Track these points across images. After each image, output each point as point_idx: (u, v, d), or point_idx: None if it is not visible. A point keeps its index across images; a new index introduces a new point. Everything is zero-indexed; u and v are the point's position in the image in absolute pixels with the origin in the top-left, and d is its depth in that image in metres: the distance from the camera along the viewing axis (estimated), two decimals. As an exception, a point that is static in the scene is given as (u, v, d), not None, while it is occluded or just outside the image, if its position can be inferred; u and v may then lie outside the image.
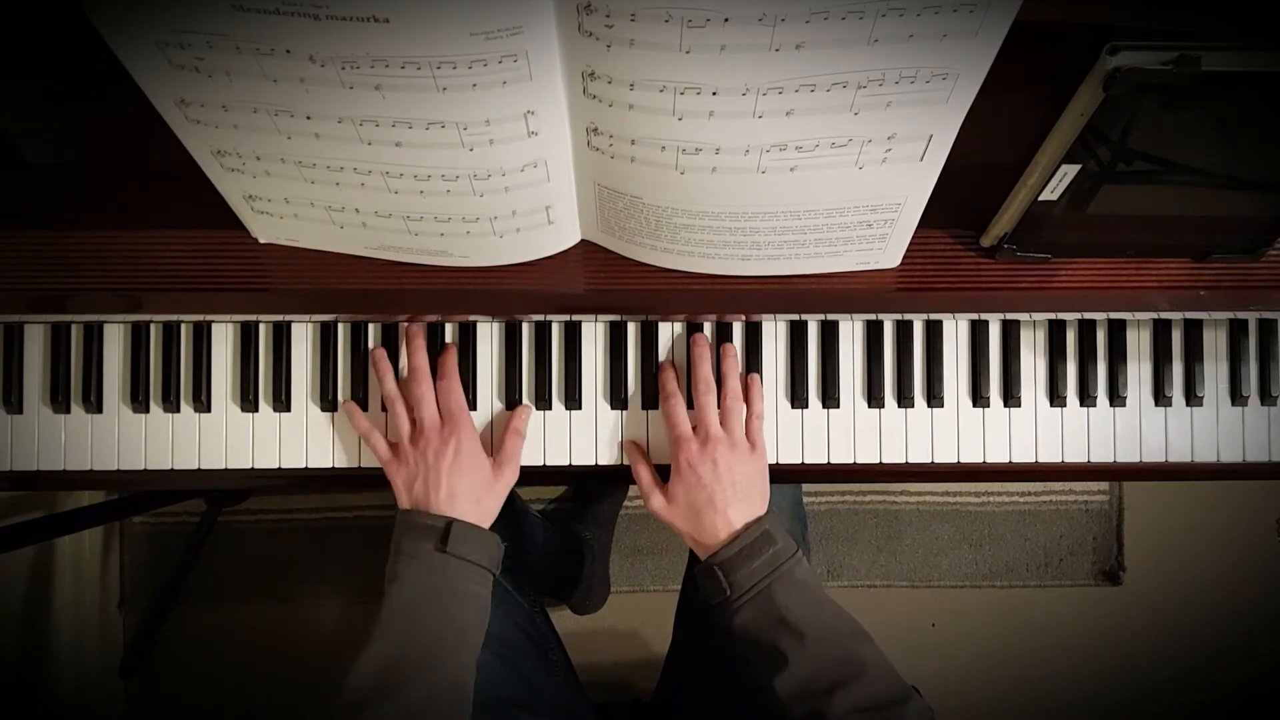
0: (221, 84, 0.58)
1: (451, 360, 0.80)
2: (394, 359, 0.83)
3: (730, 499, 0.73)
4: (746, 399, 0.80)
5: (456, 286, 0.77)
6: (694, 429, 0.77)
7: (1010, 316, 0.84)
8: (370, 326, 0.84)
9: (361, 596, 1.57)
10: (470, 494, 0.75)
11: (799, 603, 0.69)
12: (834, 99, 0.56)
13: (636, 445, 0.82)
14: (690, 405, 0.80)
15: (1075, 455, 0.85)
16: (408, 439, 0.77)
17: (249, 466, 0.83)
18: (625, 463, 0.83)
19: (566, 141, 0.64)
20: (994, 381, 0.85)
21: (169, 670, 1.56)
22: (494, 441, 0.82)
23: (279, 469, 0.83)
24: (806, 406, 0.84)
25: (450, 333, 0.84)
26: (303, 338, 0.84)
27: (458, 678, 0.69)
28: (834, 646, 0.68)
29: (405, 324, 0.82)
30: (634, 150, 0.62)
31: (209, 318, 0.83)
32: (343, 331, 0.84)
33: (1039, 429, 0.85)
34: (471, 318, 0.83)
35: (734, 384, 0.79)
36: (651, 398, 0.83)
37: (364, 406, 0.83)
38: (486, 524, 0.76)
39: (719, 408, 0.77)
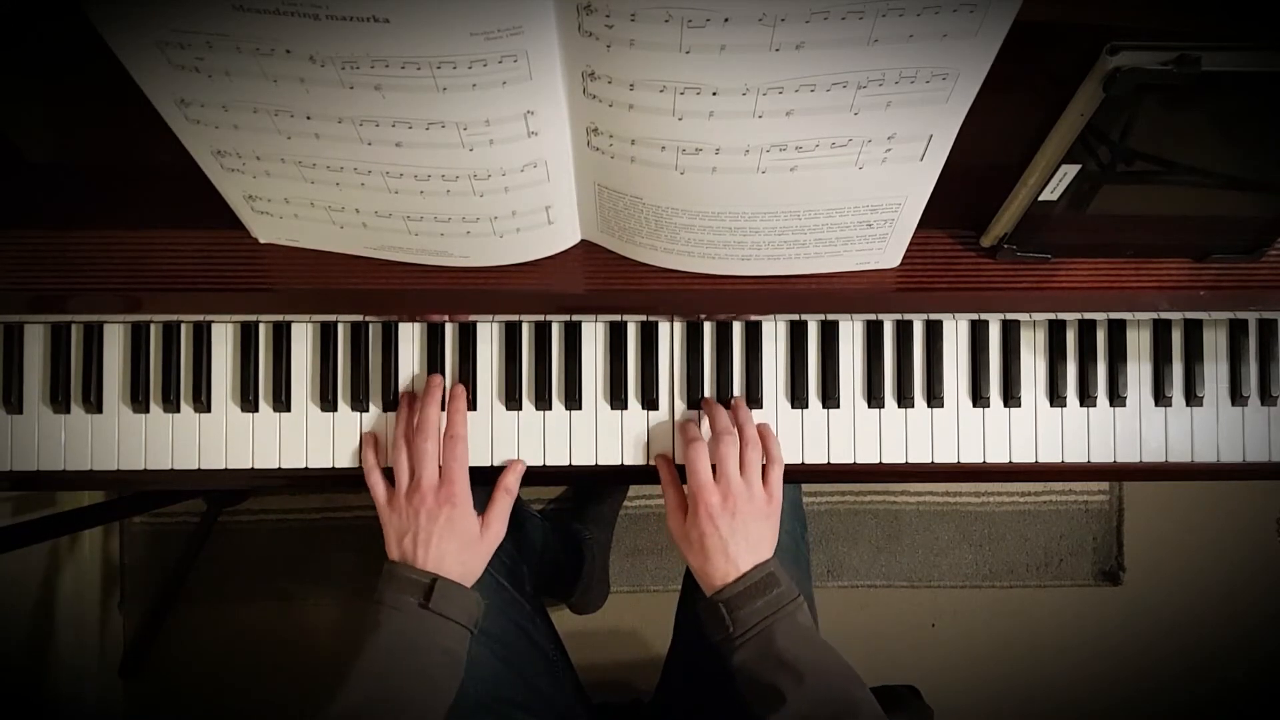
0: (221, 84, 0.58)
1: (461, 417, 0.80)
2: (392, 356, 0.83)
3: (742, 549, 0.74)
4: (764, 446, 0.80)
5: (456, 286, 0.77)
6: (714, 473, 0.76)
7: (1010, 316, 0.84)
8: (370, 326, 0.84)
9: (361, 597, 1.57)
10: (457, 555, 0.76)
11: (799, 643, 0.70)
12: (834, 99, 0.56)
13: (669, 464, 0.82)
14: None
15: (1075, 455, 0.85)
16: (404, 491, 0.77)
17: (249, 466, 0.83)
18: (626, 463, 0.84)
19: (566, 141, 0.64)
20: (994, 381, 0.85)
21: (169, 670, 1.56)
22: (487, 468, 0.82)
23: (279, 469, 0.83)
24: (806, 406, 0.84)
25: (450, 333, 0.84)
26: (303, 338, 0.84)
27: None
28: (830, 688, 0.69)
29: (430, 376, 0.82)
30: (634, 150, 0.62)
31: (209, 318, 0.83)
32: (343, 331, 0.84)
33: (1039, 429, 0.85)
34: (471, 318, 0.83)
35: (751, 431, 0.79)
36: (651, 398, 0.83)
37: (364, 407, 0.83)
38: (469, 582, 0.77)
39: (741, 454, 0.77)
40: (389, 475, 0.80)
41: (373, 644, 0.71)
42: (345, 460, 0.83)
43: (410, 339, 0.84)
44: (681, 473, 0.79)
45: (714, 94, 0.56)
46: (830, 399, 0.84)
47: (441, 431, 0.79)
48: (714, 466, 0.77)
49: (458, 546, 0.76)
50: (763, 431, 0.81)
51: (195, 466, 0.83)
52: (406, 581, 0.73)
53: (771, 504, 0.77)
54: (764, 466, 0.79)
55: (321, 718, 0.67)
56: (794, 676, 0.68)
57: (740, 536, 0.74)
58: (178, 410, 0.83)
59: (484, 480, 0.84)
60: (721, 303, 0.79)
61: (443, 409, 0.81)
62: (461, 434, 0.79)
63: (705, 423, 0.82)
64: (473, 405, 0.83)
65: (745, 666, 0.71)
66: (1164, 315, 0.84)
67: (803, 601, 0.74)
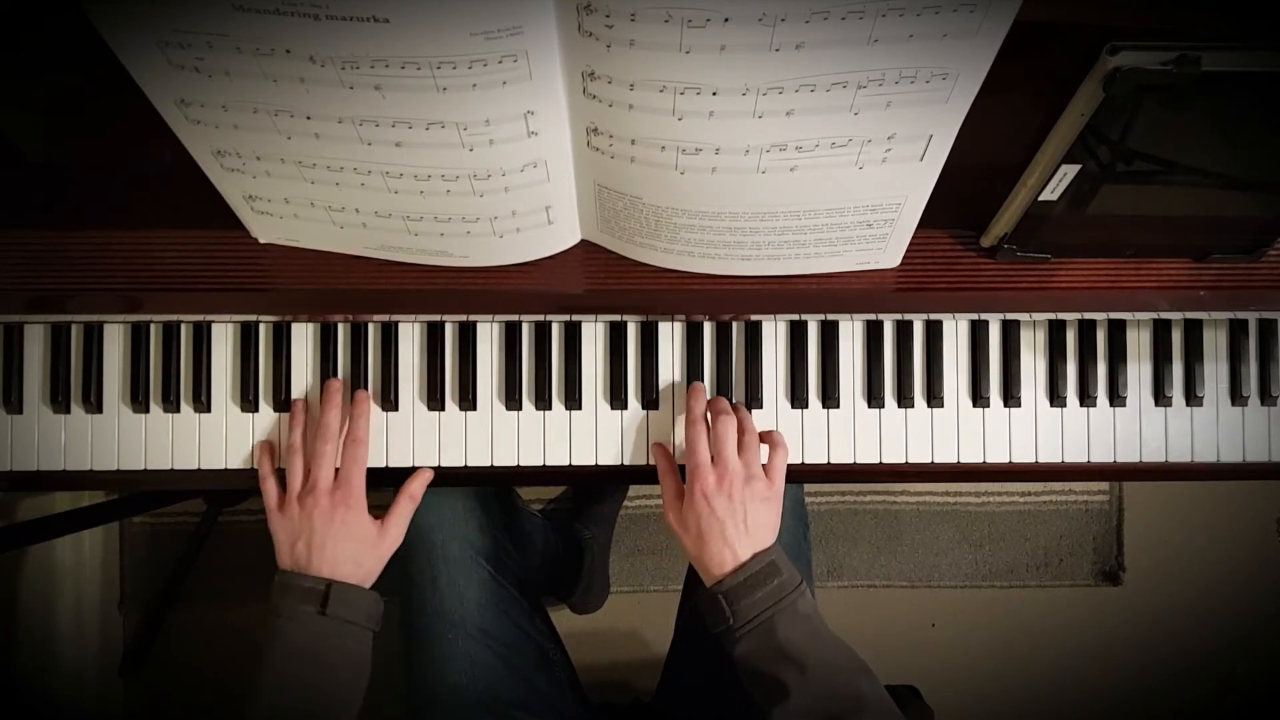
0: (221, 84, 0.58)
1: (364, 422, 0.80)
2: (392, 356, 0.83)
3: (740, 533, 0.73)
4: (770, 437, 0.80)
5: (456, 286, 0.77)
6: (712, 458, 0.76)
7: (1010, 316, 0.84)
8: (370, 326, 0.84)
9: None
10: (352, 558, 0.75)
11: (801, 635, 0.70)
12: (834, 99, 0.56)
13: (665, 453, 0.81)
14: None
15: (1075, 455, 0.85)
16: (296, 494, 0.76)
17: (249, 467, 0.83)
18: (626, 463, 0.84)
19: (566, 141, 0.64)
20: (994, 381, 0.85)
21: (169, 670, 1.56)
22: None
23: (279, 469, 0.83)
24: (806, 407, 0.84)
25: (450, 333, 0.84)
26: (303, 338, 0.84)
27: None
28: (834, 680, 0.68)
29: (329, 381, 0.82)
30: (634, 150, 0.62)
31: (209, 318, 0.83)
32: (343, 331, 0.84)
33: (1039, 429, 0.85)
34: (471, 318, 0.83)
35: (751, 419, 0.79)
36: (651, 398, 0.83)
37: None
38: (368, 584, 0.76)
39: (739, 439, 0.77)
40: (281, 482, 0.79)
41: (274, 656, 0.70)
42: (345, 460, 0.83)
43: (410, 338, 0.84)
44: (682, 471, 0.79)
45: (714, 94, 0.56)
46: (830, 399, 0.84)
47: (343, 436, 0.79)
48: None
49: (353, 548, 0.75)
50: (767, 431, 0.81)
51: (195, 466, 0.83)
52: (300, 590, 0.72)
53: (772, 488, 0.76)
54: (770, 453, 0.79)
55: None
56: (797, 668, 0.68)
57: (738, 519, 0.73)
58: (178, 410, 0.83)
59: (484, 480, 0.84)
60: (721, 303, 0.79)
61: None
62: (363, 438, 0.79)
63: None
64: (473, 405, 0.83)
65: (747, 658, 0.71)
66: (1164, 315, 0.84)
67: (805, 590, 0.73)
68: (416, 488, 0.81)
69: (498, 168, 0.64)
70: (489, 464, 0.83)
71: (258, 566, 1.55)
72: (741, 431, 0.77)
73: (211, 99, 0.59)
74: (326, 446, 0.77)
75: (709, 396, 0.84)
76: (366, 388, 0.83)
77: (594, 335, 0.84)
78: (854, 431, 0.84)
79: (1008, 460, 0.85)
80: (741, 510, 0.74)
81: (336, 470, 0.77)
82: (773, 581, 0.72)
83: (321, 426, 0.78)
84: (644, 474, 0.84)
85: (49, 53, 0.64)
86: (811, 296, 0.78)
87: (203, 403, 0.83)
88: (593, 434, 0.84)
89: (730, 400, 0.83)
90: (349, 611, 0.73)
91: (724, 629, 0.72)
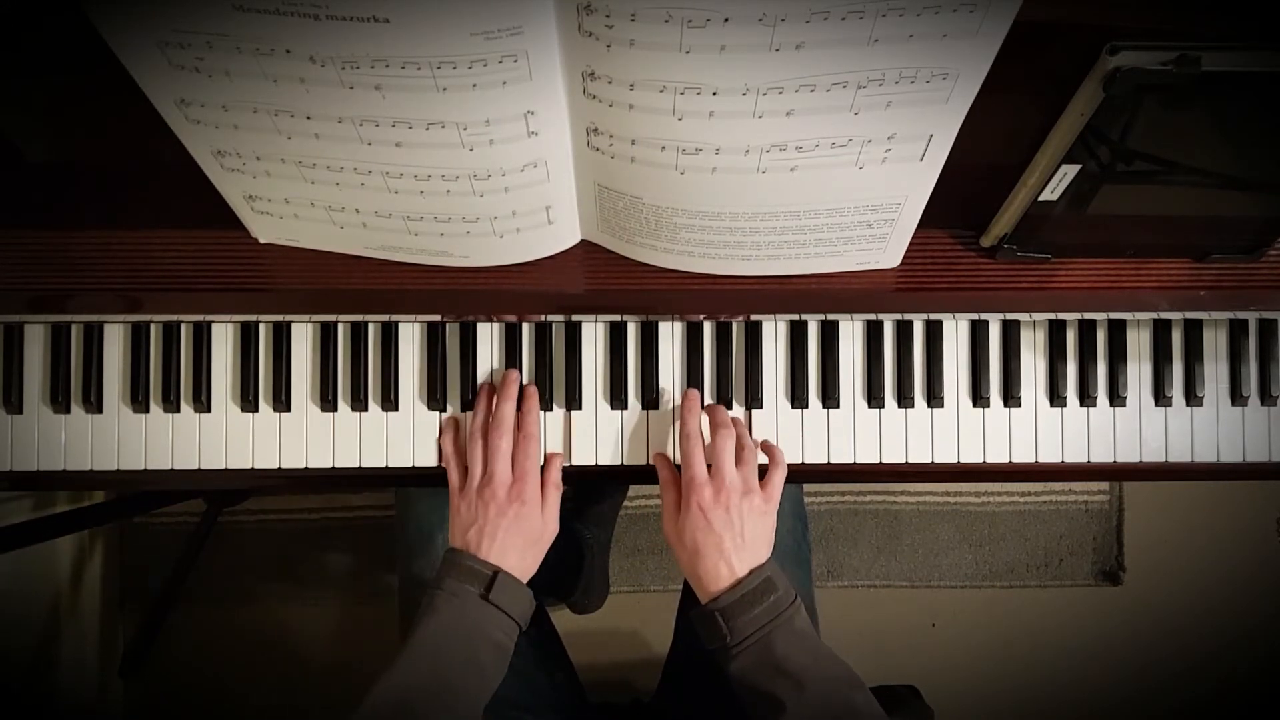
0: (221, 84, 0.58)
1: (535, 417, 0.80)
2: (392, 356, 0.83)
3: (737, 547, 0.73)
4: (769, 453, 0.80)
5: (456, 286, 0.77)
6: (709, 469, 0.76)
7: (1010, 316, 0.84)
8: (370, 326, 0.84)
9: (361, 597, 1.57)
10: (520, 552, 0.76)
11: (798, 651, 0.70)
12: (834, 99, 0.56)
13: (668, 464, 0.81)
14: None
15: (1075, 455, 0.85)
16: (476, 484, 0.77)
17: (249, 466, 0.83)
18: (625, 463, 0.84)
19: (566, 141, 0.64)
20: (994, 381, 0.85)
21: (169, 670, 1.56)
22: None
23: (279, 469, 0.83)
24: (806, 406, 0.84)
25: (451, 332, 0.84)
26: (303, 338, 0.84)
27: (469, 718, 0.70)
28: (830, 694, 0.68)
29: (508, 371, 0.82)
30: (634, 150, 0.62)
31: (209, 318, 0.83)
32: (343, 331, 0.84)
33: (1039, 429, 0.85)
34: (471, 318, 0.83)
35: (748, 435, 0.79)
36: (651, 398, 0.84)
37: (364, 407, 0.83)
38: (525, 578, 0.77)
39: (738, 453, 0.77)
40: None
41: (427, 627, 0.71)
42: (345, 460, 0.83)
43: (410, 339, 0.84)
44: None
45: (714, 94, 0.56)
46: (830, 399, 0.84)
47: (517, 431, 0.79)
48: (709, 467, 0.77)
49: (521, 543, 0.76)
50: (768, 444, 0.82)
51: (195, 466, 0.83)
52: (469, 571, 0.73)
53: (769, 503, 0.77)
54: (767, 469, 0.79)
55: (372, 693, 0.67)
56: (794, 684, 0.68)
57: (734, 533, 0.73)
58: (178, 410, 0.83)
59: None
60: (721, 303, 0.79)
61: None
62: (534, 433, 0.79)
63: (706, 425, 0.82)
64: (473, 405, 0.83)
65: (743, 675, 0.71)
66: (1164, 315, 0.84)
67: (800, 604, 0.73)
68: (557, 475, 0.81)
69: (498, 168, 0.64)
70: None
71: (258, 566, 1.56)
72: (740, 446, 0.77)
73: (211, 99, 0.59)
74: (502, 441, 0.77)
75: (709, 399, 0.84)
76: (366, 387, 0.83)
77: (594, 335, 0.84)
78: (854, 431, 0.84)
79: (1008, 460, 0.85)
80: (739, 523, 0.74)
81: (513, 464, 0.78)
82: (769, 598, 0.71)
83: (497, 418, 0.78)
84: (644, 474, 0.84)
85: (49, 53, 0.64)
86: (811, 296, 0.78)
87: (203, 403, 0.83)
88: (593, 434, 0.84)
89: (730, 404, 0.83)
90: (508, 602, 0.73)
91: (719, 646, 0.72)
